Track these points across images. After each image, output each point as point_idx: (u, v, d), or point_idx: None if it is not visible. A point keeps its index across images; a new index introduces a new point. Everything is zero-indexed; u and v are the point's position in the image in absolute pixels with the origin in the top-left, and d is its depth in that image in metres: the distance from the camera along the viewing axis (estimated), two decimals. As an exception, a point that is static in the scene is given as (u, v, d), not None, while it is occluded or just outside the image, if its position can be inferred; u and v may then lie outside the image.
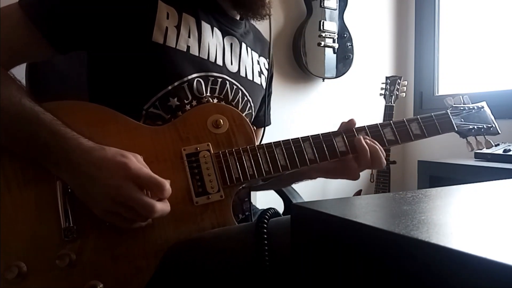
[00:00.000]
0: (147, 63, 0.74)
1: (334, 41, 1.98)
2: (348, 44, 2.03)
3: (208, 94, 0.80)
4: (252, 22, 0.93)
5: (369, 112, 2.08)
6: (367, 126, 0.80)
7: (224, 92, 0.83)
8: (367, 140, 0.78)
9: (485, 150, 0.88)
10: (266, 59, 0.98)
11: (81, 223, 0.64)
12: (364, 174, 2.06)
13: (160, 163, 0.69)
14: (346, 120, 0.82)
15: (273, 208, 0.66)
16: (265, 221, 0.61)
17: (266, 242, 0.58)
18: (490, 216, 0.42)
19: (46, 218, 0.63)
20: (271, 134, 0.92)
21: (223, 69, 0.83)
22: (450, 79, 2.15)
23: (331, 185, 2.06)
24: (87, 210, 0.62)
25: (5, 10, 0.69)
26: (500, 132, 0.88)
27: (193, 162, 0.71)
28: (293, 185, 1.12)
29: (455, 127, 0.84)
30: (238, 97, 0.85)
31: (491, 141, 0.87)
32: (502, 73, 1.87)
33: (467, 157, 1.54)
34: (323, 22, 1.94)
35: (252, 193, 0.91)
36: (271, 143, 0.75)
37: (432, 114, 0.83)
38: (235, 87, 0.85)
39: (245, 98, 0.88)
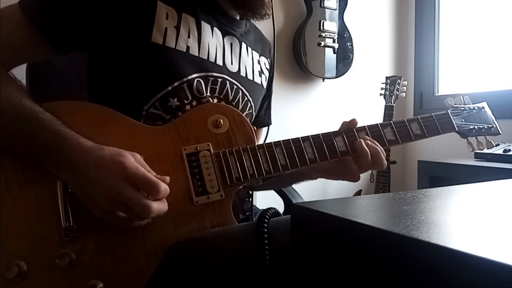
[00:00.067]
0: (146, 63, 0.74)
1: (334, 41, 1.98)
2: (348, 44, 2.02)
3: (208, 94, 0.80)
4: (252, 22, 0.93)
5: (369, 112, 2.08)
6: (367, 126, 0.80)
7: (224, 92, 0.83)
8: (368, 141, 0.77)
9: (485, 150, 0.88)
10: (267, 58, 0.98)
11: (81, 222, 0.64)
12: (364, 174, 2.05)
13: (161, 163, 0.69)
14: (346, 120, 0.81)
15: (274, 208, 0.66)
16: (266, 221, 0.61)
17: (266, 242, 0.58)
18: (490, 216, 0.42)
19: (46, 218, 0.63)
20: (271, 134, 0.92)
21: (223, 69, 0.83)
22: (450, 79, 2.15)
23: (331, 185, 2.06)
24: (87, 210, 0.62)
25: (5, 11, 0.69)
26: (501, 132, 0.88)
27: (193, 162, 0.71)
28: (293, 185, 1.12)
29: (456, 127, 0.84)
30: (238, 97, 0.85)
31: (492, 141, 0.87)
32: (502, 73, 1.87)
33: (467, 157, 1.54)
34: (323, 22, 1.94)
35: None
36: (271, 142, 0.75)
37: (433, 114, 0.83)
38: (235, 87, 0.85)
39: (245, 98, 0.88)
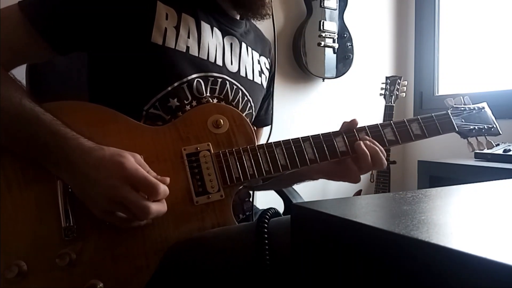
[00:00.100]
0: (146, 64, 0.74)
1: (334, 41, 1.98)
2: (348, 44, 2.03)
3: (208, 94, 0.80)
4: (252, 21, 0.93)
5: (369, 112, 2.08)
6: (367, 126, 0.80)
7: (224, 92, 0.83)
8: (367, 142, 0.77)
9: (485, 150, 0.88)
10: (267, 58, 0.98)
11: (81, 222, 0.64)
12: (364, 174, 2.06)
13: (161, 163, 0.69)
14: (346, 120, 0.81)
15: (274, 208, 0.66)
16: (266, 221, 0.61)
17: (266, 242, 0.58)
18: (490, 216, 0.42)
19: (47, 218, 0.63)
20: (271, 134, 0.92)
21: (223, 69, 0.83)
22: (450, 79, 2.15)
23: (331, 185, 2.06)
24: (87, 210, 0.62)
25: (4, 11, 0.69)
26: (501, 132, 0.88)
27: (193, 162, 0.71)
28: (294, 185, 1.12)
29: (456, 128, 0.84)
30: (238, 97, 0.85)
31: (492, 142, 0.87)
32: (502, 73, 1.87)
33: (467, 157, 1.54)
34: (323, 22, 1.94)
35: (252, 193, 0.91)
36: (271, 143, 0.75)
37: (433, 114, 0.83)
38: (235, 87, 0.85)
39: (245, 98, 0.88)
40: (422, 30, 2.23)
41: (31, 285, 0.61)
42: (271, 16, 0.88)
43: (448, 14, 2.16)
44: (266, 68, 0.97)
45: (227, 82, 0.83)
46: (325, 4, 1.93)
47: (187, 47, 0.77)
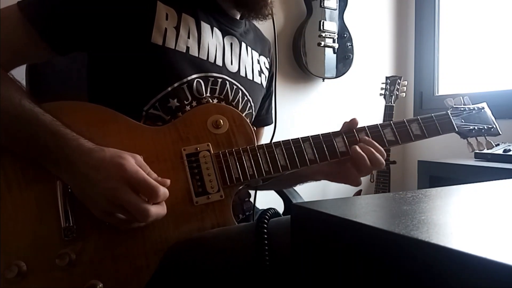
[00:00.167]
0: (146, 64, 0.74)
1: (334, 41, 1.98)
2: (348, 44, 2.02)
3: (208, 94, 0.80)
4: (254, 21, 0.93)
5: (369, 112, 2.08)
6: (367, 126, 0.80)
7: (224, 92, 0.83)
8: (361, 145, 0.77)
9: (485, 150, 0.88)
10: (266, 58, 0.98)
11: (81, 223, 0.64)
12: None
13: (160, 163, 0.69)
14: (346, 120, 0.81)
15: (273, 208, 0.66)
16: (265, 221, 0.61)
17: (266, 242, 0.58)
18: (490, 216, 0.41)
19: (46, 218, 0.63)
20: (270, 134, 0.92)
21: (223, 69, 0.83)
22: (450, 79, 2.15)
23: (331, 185, 2.06)
24: (87, 210, 0.62)
25: (4, 11, 0.69)
26: (500, 133, 0.88)
27: (193, 162, 0.71)
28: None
29: (456, 128, 0.84)
30: (238, 97, 0.85)
31: (491, 142, 0.87)
32: (502, 73, 1.87)
33: (467, 157, 1.54)
34: (323, 22, 1.94)
35: (253, 193, 0.91)
36: (271, 143, 0.75)
37: (433, 114, 0.83)
38: (235, 87, 0.85)
39: (245, 98, 0.88)
40: (422, 30, 2.23)
41: (31, 285, 0.61)
42: (272, 16, 0.88)
43: (448, 14, 2.16)
44: (266, 67, 0.97)
45: (227, 82, 0.83)
46: (325, 4, 1.93)
47: (187, 48, 0.77)
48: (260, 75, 0.94)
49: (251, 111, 0.91)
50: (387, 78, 1.97)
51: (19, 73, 0.75)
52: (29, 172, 0.65)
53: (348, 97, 2.13)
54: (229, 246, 0.62)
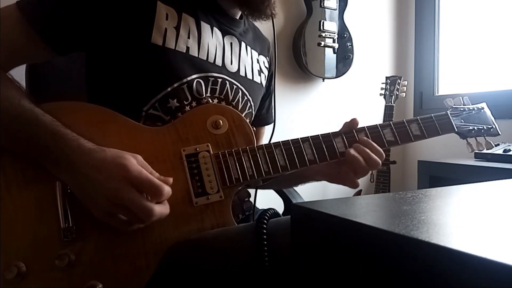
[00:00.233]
0: (146, 64, 0.74)
1: (334, 41, 1.98)
2: (348, 44, 2.02)
3: (208, 94, 0.80)
4: (256, 21, 0.93)
5: (369, 112, 2.08)
6: (367, 127, 0.80)
7: (224, 92, 0.82)
8: (356, 146, 0.77)
9: (485, 150, 0.88)
10: (266, 57, 0.98)
11: (80, 223, 0.64)
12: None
13: (160, 164, 0.69)
14: (346, 120, 0.81)
15: (273, 209, 0.66)
16: (265, 221, 0.61)
17: (265, 243, 0.58)
18: (490, 216, 0.41)
19: (46, 219, 0.63)
20: (274, 133, 0.92)
21: (223, 69, 0.83)
22: (450, 79, 2.15)
23: (331, 185, 2.04)
24: (87, 211, 0.62)
25: (3, 11, 0.69)
26: (500, 133, 0.88)
27: (193, 163, 0.71)
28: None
29: (455, 128, 0.84)
30: (238, 96, 0.85)
31: (491, 142, 0.87)
32: (502, 73, 1.87)
33: (467, 157, 1.54)
34: (323, 22, 1.94)
35: (253, 193, 0.91)
36: (270, 143, 0.75)
37: (432, 115, 0.83)
38: (235, 86, 0.85)
39: (245, 98, 0.88)
40: (422, 30, 2.23)
41: (30, 285, 0.61)
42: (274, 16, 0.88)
43: (448, 14, 2.16)
44: (265, 67, 0.97)
45: (227, 82, 0.83)
46: (325, 4, 1.93)
47: (187, 48, 0.77)
48: (259, 75, 0.94)
49: (251, 110, 0.91)
50: (387, 78, 1.97)
51: (19, 73, 0.75)
52: (29, 172, 0.64)
53: (348, 97, 2.13)
54: (228, 247, 0.62)
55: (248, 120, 0.82)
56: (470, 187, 0.56)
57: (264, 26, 0.97)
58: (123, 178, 0.59)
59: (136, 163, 0.61)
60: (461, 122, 0.85)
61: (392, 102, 1.92)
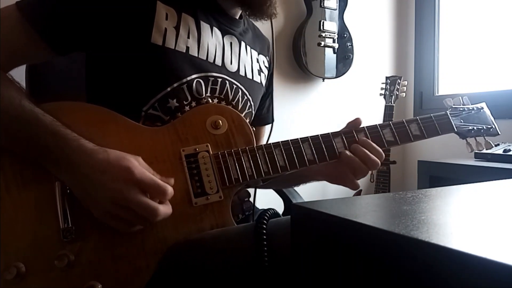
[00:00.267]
0: (146, 64, 0.74)
1: (334, 41, 1.98)
2: (348, 44, 2.02)
3: (208, 94, 0.80)
4: (257, 21, 0.92)
5: (369, 112, 2.08)
6: (366, 127, 0.80)
7: (224, 92, 0.82)
8: (355, 146, 0.76)
9: (485, 150, 0.88)
10: (265, 57, 0.98)
11: (80, 223, 0.64)
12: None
13: (159, 164, 0.69)
14: (346, 120, 0.81)
15: (273, 209, 0.66)
16: (265, 222, 0.61)
17: (265, 243, 0.58)
18: (490, 216, 0.41)
19: (45, 219, 0.63)
20: (272, 133, 0.92)
21: (223, 69, 0.83)
22: (450, 79, 2.15)
23: (331, 185, 2.04)
24: (86, 211, 0.62)
25: (3, 11, 0.69)
26: (499, 133, 0.88)
27: (192, 163, 0.71)
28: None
29: (455, 128, 0.84)
30: (238, 96, 0.85)
31: (490, 142, 0.87)
32: (502, 73, 1.87)
33: (467, 157, 1.54)
34: (323, 22, 1.94)
35: (252, 193, 0.90)
36: (270, 144, 0.75)
37: (432, 115, 0.83)
38: (234, 86, 0.85)
39: (245, 97, 0.87)
40: (422, 30, 2.23)
41: (30, 286, 0.61)
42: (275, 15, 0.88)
43: (448, 14, 2.16)
44: (265, 66, 0.97)
45: (227, 82, 0.83)
46: (325, 4, 1.93)
47: (187, 47, 0.77)
48: (259, 74, 0.94)
49: (250, 110, 0.91)
50: (387, 78, 1.97)
51: (19, 73, 0.74)
52: (28, 173, 0.64)
53: (348, 97, 2.13)
54: (228, 247, 0.62)
55: (248, 120, 0.82)
56: (470, 187, 0.56)
57: (263, 26, 0.96)
58: (127, 179, 0.59)
59: (138, 164, 0.61)
60: (461, 122, 0.85)
61: (392, 102, 1.92)
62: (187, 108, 0.76)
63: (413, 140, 0.81)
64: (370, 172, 0.79)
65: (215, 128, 0.74)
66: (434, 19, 2.18)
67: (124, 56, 0.73)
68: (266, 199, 1.08)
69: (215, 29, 0.83)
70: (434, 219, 0.37)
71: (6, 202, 0.63)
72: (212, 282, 0.60)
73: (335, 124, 0.82)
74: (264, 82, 0.96)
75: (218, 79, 0.81)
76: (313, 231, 0.42)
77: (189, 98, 0.77)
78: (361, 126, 0.80)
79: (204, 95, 0.78)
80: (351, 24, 2.03)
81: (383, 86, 1.96)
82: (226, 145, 0.74)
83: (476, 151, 0.89)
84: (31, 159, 0.64)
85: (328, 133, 0.78)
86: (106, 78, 0.76)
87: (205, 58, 0.80)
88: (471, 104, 0.89)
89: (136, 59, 0.73)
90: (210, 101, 0.80)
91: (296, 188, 1.16)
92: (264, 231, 0.59)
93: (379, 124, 0.81)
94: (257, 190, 0.87)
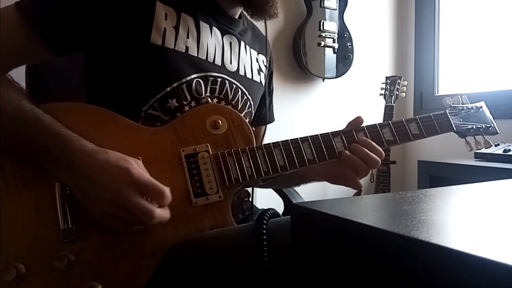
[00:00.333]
0: (145, 64, 0.74)
1: (334, 41, 1.98)
2: (348, 44, 2.02)
3: (208, 94, 0.80)
4: (258, 21, 0.92)
5: (369, 112, 2.07)
6: (366, 126, 0.80)
7: (224, 92, 0.82)
8: (354, 146, 0.76)
9: (485, 150, 0.88)
10: (265, 56, 0.98)
11: (79, 224, 0.64)
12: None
13: (159, 164, 0.69)
14: (346, 120, 0.81)
15: (273, 209, 0.66)
16: (264, 222, 0.61)
17: (265, 243, 0.58)
18: (490, 216, 0.41)
19: (45, 220, 0.63)
20: (271, 134, 0.92)
21: (222, 68, 0.83)
22: (450, 79, 2.15)
23: (331, 185, 2.04)
24: (86, 212, 0.62)
25: (2, 12, 0.69)
26: (498, 132, 0.88)
27: (192, 163, 0.71)
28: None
29: (454, 127, 0.84)
30: (237, 96, 0.85)
31: (489, 141, 0.86)
32: (502, 73, 1.87)
33: (467, 157, 1.54)
34: (323, 22, 1.94)
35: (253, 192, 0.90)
36: (270, 144, 0.75)
37: (431, 114, 0.83)
38: (234, 86, 0.85)
39: (245, 97, 0.87)
40: (422, 30, 2.23)
41: (30, 287, 0.61)
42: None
43: (448, 14, 2.16)
44: (265, 65, 0.97)
45: (227, 82, 0.83)
46: (325, 4, 1.93)
47: (186, 47, 0.77)
48: (259, 74, 0.94)
49: (250, 109, 0.91)
50: (387, 78, 1.97)
51: (19, 74, 0.74)
52: (28, 173, 0.64)
53: (348, 97, 2.13)
54: (228, 247, 0.62)
55: (247, 120, 0.82)
56: (470, 187, 0.56)
57: (262, 25, 0.96)
58: (126, 180, 0.59)
59: (137, 166, 0.62)
60: (460, 121, 0.85)
61: (392, 102, 1.92)
62: (186, 108, 0.76)
63: (412, 139, 0.81)
64: (370, 172, 0.78)
65: (214, 128, 0.74)
66: (434, 19, 2.18)
67: (124, 56, 0.73)
68: (266, 199, 1.09)
69: (215, 29, 0.83)
70: (434, 219, 0.37)
71: (6, 203, 0.63)
72: (212, 282, 0.60)
73: (335, 124, 0.82)
74: (263, 82, 0.96)
75: (217, 79, 0.81)
76: (313, 231, 0.42)
77: (189, 98, 0.77)
78: (361, 125, 0.80)
79: (203, 95, 0.78)
80: (351, 24, 2.03)
81: (383, 86, 1.96)
82: (226, 145, 0.74)
83: (476, 151, 0.89)
84: (31, 159, 0.64)
85: (328, 132, 0.78)
86: (105, 78, 0.76)
87: (204, 58, 0.80)
88: (470, 103, 0.89)
89: (136, 59, 0.73)
90: (210, 101, 0.80)
91: (296, 188, 1.16)
92: (264, 231, 0.59)
93: (378, 124, 0.81)
94: (257, 190, 0.87)
